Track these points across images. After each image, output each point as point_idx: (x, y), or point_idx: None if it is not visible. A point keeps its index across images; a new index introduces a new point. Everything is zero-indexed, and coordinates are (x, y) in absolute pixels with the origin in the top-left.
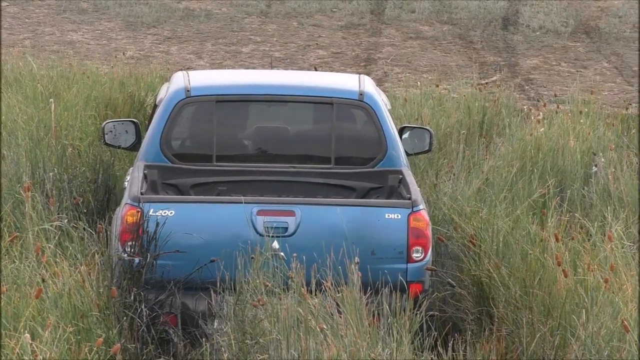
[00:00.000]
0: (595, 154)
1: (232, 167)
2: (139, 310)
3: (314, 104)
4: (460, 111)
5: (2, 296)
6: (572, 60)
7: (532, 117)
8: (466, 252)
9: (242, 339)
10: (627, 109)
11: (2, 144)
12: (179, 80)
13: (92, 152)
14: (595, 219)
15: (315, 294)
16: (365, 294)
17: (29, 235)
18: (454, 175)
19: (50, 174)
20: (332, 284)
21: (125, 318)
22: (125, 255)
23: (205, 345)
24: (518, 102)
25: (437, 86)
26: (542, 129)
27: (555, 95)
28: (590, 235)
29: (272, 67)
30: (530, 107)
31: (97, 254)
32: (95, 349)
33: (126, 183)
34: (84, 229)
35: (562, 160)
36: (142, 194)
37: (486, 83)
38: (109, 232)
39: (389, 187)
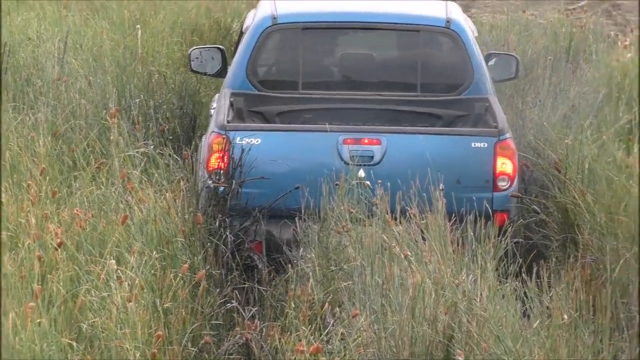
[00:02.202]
0: None
1: (318, 95)
2: (223, 237)
3: (400, 32)
4: (546, 37)
5: (88, 222)
6: None
7: (619, 43)
8: (551, 178)
9: (326, 265)
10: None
11: (89, 71)
12: (266, 8)
13: (178, 79)
14: None
15: (400, 221)
16: (449, 221)
17: (115, 161)
18: (539, 101)
19: (137, 100)
20: (416, 211)
21: (210, 244)
22: (211, 182)
23: (290, 271)
24: (605, 27)
25: (524, 12)
26: (629, 55)
27: None
28: None
29: None
30: (618, 33)
31: (183, 180)
32: (180, 275)
33: (212, 110)
34: (170, 155)
35: None
36: (228, 122)
37: (573, 9)
38: (194, 159)
39: (475, 115)
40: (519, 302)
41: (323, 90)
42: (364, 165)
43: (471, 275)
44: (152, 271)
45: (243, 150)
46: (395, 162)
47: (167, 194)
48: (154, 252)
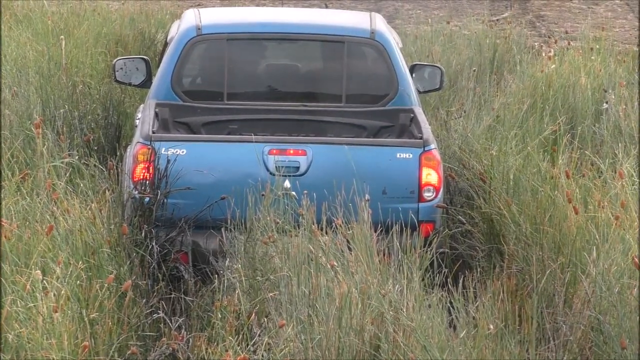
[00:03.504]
0: (606, 91)
1: (243, 106)
2: (149, 247)
3: (325, 43)
4: (471, 48)
5: (13, 233)
6: None
7: (543, 54)
8: (477, 189)
9: (252, 275)
10: (638, 45)
11: (13, 81)
12: (190, 18)
13: (102, 89)
14: (606, 155)
15: (326, 232)
16: (375, 232)
17: (40, 172)
18: (464, 112)
19: (61, 110)
20: (342, 222)
21: (136, 255)
22: (137, 192)
23: (217, 282)
24: (529, 38)
25: (448, 23)
26: (553, 66)
27: (567, 32)
28: (601, 172)
29: (283, 5)
30: (541, 44)
31: (108, 191)
32: (106, 285)
33: (137, 121)
34: (95, 165)
35: (572, 97)
36: (153, 132)
37: (497, 20)
38: (119, 170)
39: (400, 126)
40: (445, 312)
41: (248, 101)
42: (290, 175)
43: (397, 286)
44: (78, 281)
45: (168, 160)
46: (320, 172)
47: (93, 205)
48: (80, 263)
